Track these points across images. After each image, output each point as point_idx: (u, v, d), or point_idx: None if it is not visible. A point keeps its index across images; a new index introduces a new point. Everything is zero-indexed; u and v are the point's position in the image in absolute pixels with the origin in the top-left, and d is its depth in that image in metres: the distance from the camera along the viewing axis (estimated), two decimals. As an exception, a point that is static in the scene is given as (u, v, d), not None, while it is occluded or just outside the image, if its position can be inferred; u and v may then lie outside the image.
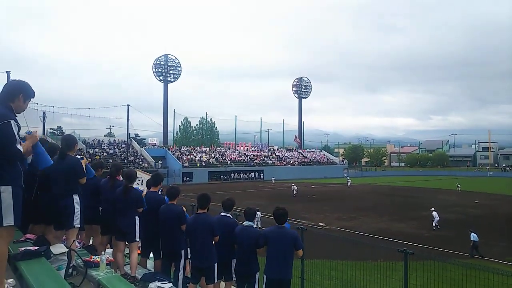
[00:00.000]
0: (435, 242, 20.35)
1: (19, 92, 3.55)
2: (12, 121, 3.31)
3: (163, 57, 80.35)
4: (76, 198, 5.09)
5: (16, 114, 3.55)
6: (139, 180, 6.41)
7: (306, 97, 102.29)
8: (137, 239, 5.71)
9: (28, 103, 3.70)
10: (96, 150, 60.47)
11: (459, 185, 50.66)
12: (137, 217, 5.70)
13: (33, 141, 3.85)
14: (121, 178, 6.18)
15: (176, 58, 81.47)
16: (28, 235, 5.25)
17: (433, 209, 25.52)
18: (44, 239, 4.95)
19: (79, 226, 5.24)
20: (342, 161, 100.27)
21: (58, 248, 4.60)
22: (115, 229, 5.78)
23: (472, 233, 18.46)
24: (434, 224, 24.62)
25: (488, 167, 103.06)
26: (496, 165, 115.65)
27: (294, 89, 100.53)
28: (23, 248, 4.33)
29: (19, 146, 3.34)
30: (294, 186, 44.07)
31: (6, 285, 3.44)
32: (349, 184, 57.31)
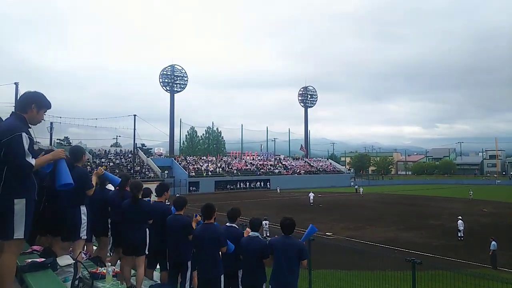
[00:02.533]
0: (444, 252, 20.17)
1: (32, 102, 3.54)
2: (23, 134, 3.28)
3: (169, 67, 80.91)
4: (83, 209, 5.07)
5: (31, 126, 3.54)
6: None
7: (312, 106, 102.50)
8: (146, 252, 5.67)
9: (43, 113, 3.67)
10: (103, 160, 60.69)
11: (471, 192, 50.31)
12: (147, 230, 5.66)
13: (55, 156, 3.83)
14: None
15: (182, 68, 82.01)
16: (34, 247, 5.23)
17: (459, 217, 24.94)
18: (50, 250, 4.93)
19: (85, 237, 5.22)
20: (349, 169, 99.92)
21: (65, 260, 4.57)
22: (124, 242, 5.72)
23: (493, 242, 18.21)
24: (460, 235, 24.02)
25: (495, 175, 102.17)
26: (504, 173, 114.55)
27: (300, 98, 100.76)
28: (29, 260, 4.31)
29: (29, 160, 3.30)
30: (312, 194, 43.76)
31: None
32: (361, 193, 57.32)
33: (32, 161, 3.32)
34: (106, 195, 6.12)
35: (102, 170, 5.59)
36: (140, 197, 5.74)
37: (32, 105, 3.53)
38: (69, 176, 4.08)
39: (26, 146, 3.28)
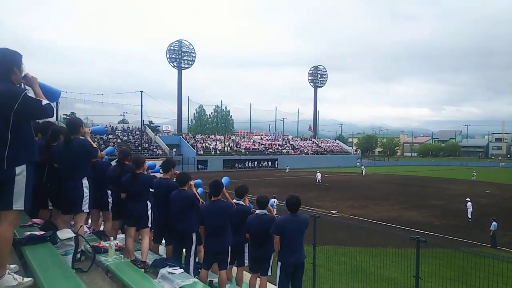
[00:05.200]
0: (445, 231, 20.46)
1: (13, 66, 3.31)
2: (26, 91, 3.28)
3: (177, 42, 78.59)
4: (85, 182, 4.90)
5: None
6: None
7: (321, 86, 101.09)
8: (149, 225, 5.65)
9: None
10: (110, 136, 60.43)
11: (474, 173, 50.60)
12: (148, 202, 5.65)
13: (36, 82, 3.58)
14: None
15: (190, 44, 79.75)
16: (35, 220, 5.19)
17: (468, 199, 24.86)
18: (51, 224, 4.88)
19: (87, 210, 5.10)
20: (356, 150, 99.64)
21: (65, 233, 4.51)
22: (126, 214, 5.72)
23: (494, 222, 18.33)
24: (469, 216, 23.93)
25: (500, 158, 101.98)
26: (509, 156, 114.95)
27: (310, 78, 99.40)
28: (28, 233, 4.28)
29: (45, 101, 3.33)
30: (319, 174, 43.95)
31: (7, 270, 3.35)
32: (363, 173, 57.31)
33: (46, 101, 3.36)
34: (104, 168, 6.09)
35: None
36: (143, 172, 5.73)
37: (14, 68, 3.31)
38: (54, 88, 4.07)
39: (35, 96, 3.37)
